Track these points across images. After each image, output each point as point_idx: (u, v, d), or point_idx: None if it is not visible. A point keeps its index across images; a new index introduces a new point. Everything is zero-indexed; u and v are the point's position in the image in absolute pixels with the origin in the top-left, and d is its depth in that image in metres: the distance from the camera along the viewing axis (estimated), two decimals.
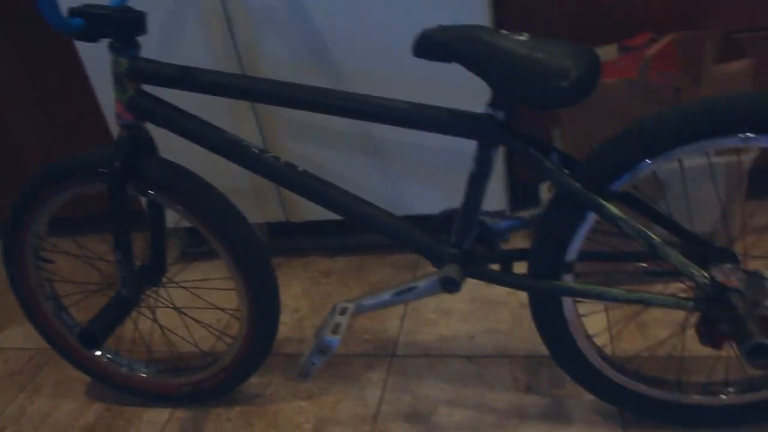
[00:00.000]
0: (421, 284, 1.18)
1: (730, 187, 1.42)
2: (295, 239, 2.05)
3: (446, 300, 1.73)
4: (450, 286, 1.13)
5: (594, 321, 1.53)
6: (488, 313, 1.64)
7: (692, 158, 1.39)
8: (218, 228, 1.27)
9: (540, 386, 1.42)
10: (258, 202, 1.87)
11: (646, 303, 1.07)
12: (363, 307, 1.19)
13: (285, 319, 1.76)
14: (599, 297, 1.08)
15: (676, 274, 1.04)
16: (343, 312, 1.16)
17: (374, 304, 1.20)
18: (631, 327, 1.52)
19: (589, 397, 1.34)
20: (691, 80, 1.32)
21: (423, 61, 1.49)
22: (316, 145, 1.73)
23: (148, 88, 1.29)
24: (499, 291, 1.70)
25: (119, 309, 1.31)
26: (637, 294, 1.08)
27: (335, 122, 1.67)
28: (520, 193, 1.83)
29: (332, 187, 1.17)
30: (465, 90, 1.49)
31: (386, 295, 1.20)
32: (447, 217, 1.18)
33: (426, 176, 1.69)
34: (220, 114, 1.73)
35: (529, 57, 0.93)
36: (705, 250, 1.09)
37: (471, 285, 1.74)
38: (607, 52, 1.54)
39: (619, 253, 1.14)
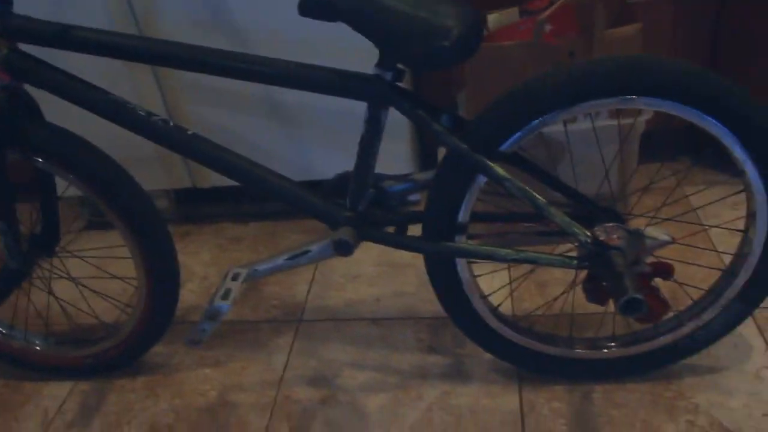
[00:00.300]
0: (315, 248, 1.16)
1: (623, 149, 1.45)
2: (206, 206, 2.00)
3: (355, 264, 1.72)
4: (343, 249, 1.12)
5: (496, 280, 1.55)
6: (395, 276, 1.64)
7: (584, 121, 1.41)
8: (109, 195, 1.22)
9: (442, 346, 1.43)
10: (163, 168, 1.82)
11: (533, 263, 1.08)
12: (257, 272, 1.17)
13: (193, 287, 1.72)
14: (489, 257, 1.09)
15: (561, 234, 1.05)
16: (235, 277, 1.14)
17: (268, 269, 1.17)
18: (531, 286, 1.54)
19: (489, 355, 1.36)
20: (584, 43, 1.33)
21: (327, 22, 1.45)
22: (221, 108, 1.68)
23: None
24: (406, 255, 1.71)
25: (6, 281, 1.25)
26: (525, 254, 1.09)
27: (240, 85, 1.63)
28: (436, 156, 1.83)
29: (225, 151, 1.13)
30: (371, 50, 1.47)
31: (280, 260, 1.18)
32: (342, 180, 1.16)
33: (333, 140, 1.67)
34: (118, 77, 1.65)
35: (412, 16, 0.91)
36: (590, 210, 1.11)
37: (379, 249, 1.74)
38: (508, 15, 1.53)
39: (508, 214, 1.15)
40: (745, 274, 1.09)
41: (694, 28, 1.54)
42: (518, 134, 1.01)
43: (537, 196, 1.01)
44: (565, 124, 1.14)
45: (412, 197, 1.61)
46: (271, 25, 1.51)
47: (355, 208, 1.14)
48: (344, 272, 1.69)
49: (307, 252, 1.16)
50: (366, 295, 1.60)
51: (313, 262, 1.16)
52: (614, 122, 1.35)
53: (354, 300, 1.59)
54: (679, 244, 1.46)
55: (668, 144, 1.76)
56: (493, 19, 1.51)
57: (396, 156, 1.69)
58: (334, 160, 1.68)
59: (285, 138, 1.69)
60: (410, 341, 1.45)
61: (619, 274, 1.00)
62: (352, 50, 1.48)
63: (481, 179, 1.06)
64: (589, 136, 1.39)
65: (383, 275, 1.65)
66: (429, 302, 1.53)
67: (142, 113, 1.12)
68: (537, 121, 0.99)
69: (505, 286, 1.51)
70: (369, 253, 1.74)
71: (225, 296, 1.12)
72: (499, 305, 1.28)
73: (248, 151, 1.72)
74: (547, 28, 1.44)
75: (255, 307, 1.63)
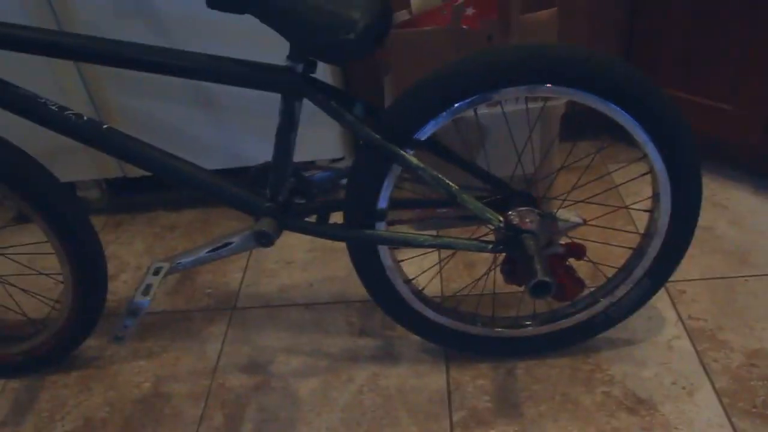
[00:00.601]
0: (236, 239, 1.16)
1: (541, 131, 1.47)
2: (139, 195, 1.97)
3: (288, 249, 1.72)
4: (264, 240, 1.12)
5: (426, 261, 1.57)
6: (327, 261, 1.65)
7: (507, 104, 1.42)
8: (23, 188, 1.18)
9: (372, 329, 1.45)
10: (92, 158, 1.77)
11: (450, 248, 1.10)
12: (179, 265, 1.16)
13: (126, 277, 1.70)
14: (408, 244, 1.10)
15: (474, 219, 1.06)
16: (157, 272, 1.12)
17: (190, 262, 1.16)
18: (460, 266, 1.56)
19: (417, 337, 1.38)
20: (502, 28, 1.33)
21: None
22: (147, 97, 1.65)
23: None
24: None
25: None
26: (442, 239, 1.10)
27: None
28: None
29: (139, 144, 1.11)
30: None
31: (201, 252, 1.17)
32: (263, 170, 1.16)
33: (263, 126, 1.65)
34: (38, 71, 1.60)
35: (318, 9, 0.90)
36: (505, 195, 1.13)
37: None
38: (431, 0, 1.53)
39: (426, 200, 1.16)
40: (652, 252, 1.13)
41: (610, 14, 1.56)
42: (431, 122, 1.02)
43: (449, 184, 1.03)
44: (475, 111, 1.15)
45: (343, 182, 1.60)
46: (193, 15, 1.48)
47: (275, 198, 1.14)
48: (278, 258, 1.68)
49: (228, 244, 1.16)
50: (299, 280, 1.60)
51: (234, 254, 1.16)
52: (534, 105, 1.37)
53: (287, 285, 1.59)
54: (590, 226, 1.49)
55: (590, 123, 1.79)
56: (415, 3, 1.50)
57: (326, 141, 1.69)
58: (264, 147, 1.67)
59: (213, 125, 1.67)
60: (341, 325, 1.46)
61: (529, 257, 1.02)
62: (271, 41, 1.46)
63: (398, 167, 1.07)
64: (512, 119, 1.40)
65: (316, 260, 1.65)
66: (359, 286, 1.54)
67: (54, 108, 1.09)
68: (448, 109, 1.00)
69: (434, 266, 1.53)
70: (302, 238, 1.74)
71: (146, 292, 1.11)
72: (423, 288, 1.30)
73: (177, 140, 1.70)
74: (470, 11, 1.44)
75: (189, 296, 1.61)
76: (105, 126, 1.11)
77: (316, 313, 1.51)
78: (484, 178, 1.14)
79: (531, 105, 1.34)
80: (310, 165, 1.20)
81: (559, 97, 1.01)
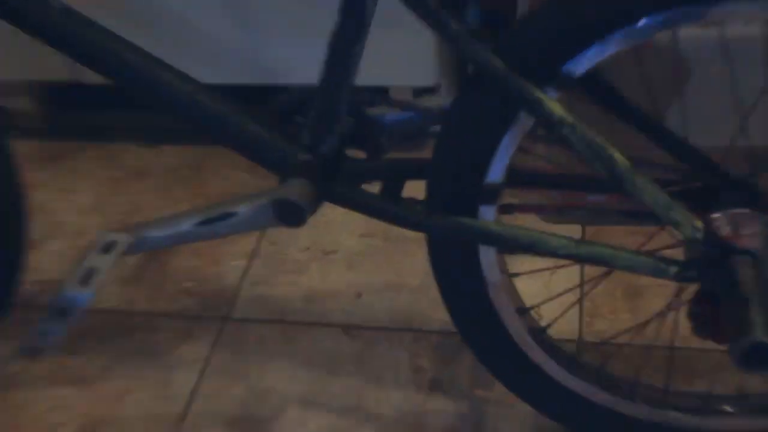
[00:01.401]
0: (244, 208, 1.16)
1: None
2: (94, 113, 2.02)
3: (327, 231, 1.73)
4: (290, 215, 1.12)
5: (557, 278, 1.56)
6: (391, 258, 1.65)
7: (731, 25, 1.38)
8: None
9: (454, 383, 1.44)
10: (23, 47, 1.80)
11: (604, 263, 1.09)
12: (145, 241, 1.18)
13: (59, 246, 1.75)
14: (531, 248, 1.10)
15: (650, 218, 1.05)
16: (107, 249, 1.15)
17: (164, 238, 1.18)
18: (617, 295, 1.54)
19: (527, 406, 1.36)
20: None
21: None
22: None
23: None
24: None
25: None
26: (590, 246, 1.09)
27: None
28: None
29: (108, 36, 1.14)
30: None
31: (185, 224, 1.18)
32: (302, 99, 1.17)
33: (305, 25, 1.66)
34: None
35: None
36: (711, 183, 1.12)
37: None
38: None
39: (566, 178, 1.16)
40: None
41: None
42: (594, 48, 1.00)
43: (615, 155, 1.01)
44: (675, 34, 1.11)
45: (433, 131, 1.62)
46: None
47: (317, 148, 1.14)
48: (309, 243, 1.69)
49: (228, 215, 1.16)
50: (340, 284, 1.61)
51: (239, 233, 1.16)
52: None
53: (319, 292, 1.60)
54: None
55: None
56: None
57: (411, 58, 1.70)
58: (308, 60, 1.68)
59: (236, 26, 1.72)
60: (403, 368, 1.46)
61: (744, 298, 1.00)
62: None
63: (528, 118, 1.05)
64: (738, 53, 1.36)
65: (372, 254, 1.66)
66: (441, 307, 1.53)
67: None
68: (627, 27, 0.98)
69: (571, 289, 1.51)
70: (352, 215, 1.74)
71: (85, 279, 1.13)
72: (548, 326, 1.27)
73: (168, 33, 1.72)
74: None
75: (155, 290, 1.64)
76: (57, 4, 1.13)
77: (362, 342, 1.51)
78: (677, 150, 1.13)
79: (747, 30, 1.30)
80: (381, 96, 1.20)
81: None
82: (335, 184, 1.16)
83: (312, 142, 1.14)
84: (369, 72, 1.80)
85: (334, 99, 1.11)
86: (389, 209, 1.14)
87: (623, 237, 1.63)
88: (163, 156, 1.90)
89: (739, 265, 1.04)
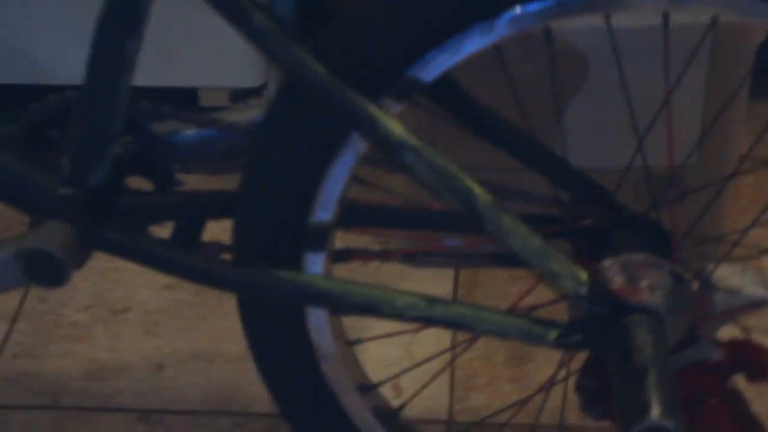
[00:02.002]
0: None
1: (708, 81, 1.46)
2: None
3: (118, 283, 1.72)
4: (46, 272, 1.10)
5: (424, 339, 1.57)
6: (203, 316, 1.67)
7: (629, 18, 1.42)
8: None
9: None
10: None
11: (461, 327, 1.10)
12: None
13: None
14: (367, 309, 1.10)
15: (523, 263, 1.06)
16: None
17: None
18: (498, 360, 1.56)
19: None
20: None
21: None
22: None
23: None
24: None
25: None
26: (446, 307, 1.10)
27: None
28: None
29: None
30: None
31: None
32: (57, 111, 1.17)
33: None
34: None
35: None
36: (601, 219, 1.14)
37: None
38: None
39: (420, 217, 1.19)
40: None
41: None
42: (448, 47, 1.01)
43: (476, 186, 1.02)
44: (548, 29, 1.13)
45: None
46: None
47: (82, 178, 1.12)
48: (90, 300, 1.70)
49: None
50: (134, 355, 1.62)
51: None
52: (688, 21, 1.36)
53: (105, 365, 1.60)
54: None
55: None
56: None
57: (227, 55, 1.74)
58: (75, 54, 1.68)
59: None
60: None
61: (640, 369, 1.02)
62: None
63: (360, 140, 1.06)
64: (635, 50, 1.39)
65: (177, 312, 1.68)
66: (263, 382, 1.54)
67: None
68: (495, 18, 0.99)
69: (438, 355, 1.53)
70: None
71: None
72: (403, 405, 1.29)
73: None
74: None
75: None
76: None
77: (163, 431, 1.51)
78: (557, 177, 1.15)
79: (681, 20, 1.33)
80: (168, 108, 1.19)
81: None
82: (109, 226, 1.14)
83: (75, 170, 1.12)
84: (173, 70, 1.81)
85: (103, 110, 1.10)
86: (181, 261, 1.13)
87: (505, 285, 1.67)
88: None
89: (633, 326, 1.05)
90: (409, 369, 1.41)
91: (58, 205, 1.12)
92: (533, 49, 1.52)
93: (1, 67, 1.78)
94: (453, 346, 1.56)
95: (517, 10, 0.98)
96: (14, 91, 1.75)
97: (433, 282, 1.71)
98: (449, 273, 1.73)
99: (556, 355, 1.35)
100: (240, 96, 1.80)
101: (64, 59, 1.71)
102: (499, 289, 1.68)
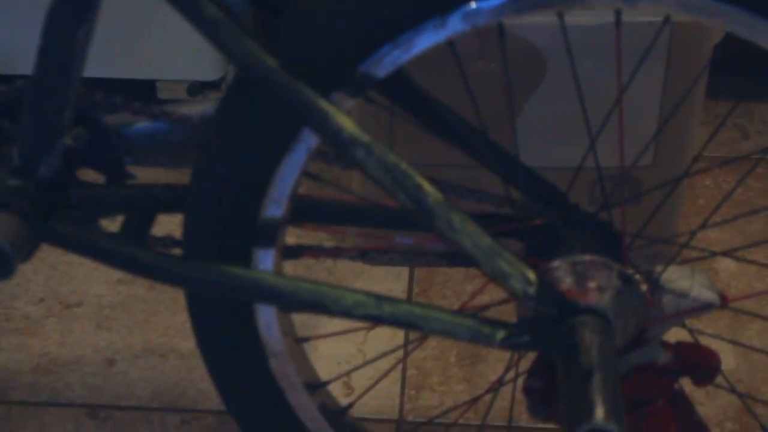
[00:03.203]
0: None
1: (666, 80, 1.46)
2: None
3: (71, 277, 1.72)
4: None
5: (376, 337, 1.57)
6: (156, 311, 1.67)
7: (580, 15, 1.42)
8: None
9: None
10: None
11: (410, 327, 1.10)
12: None
13: None
14: (316, 306, 1.10)
15: (472, 263, 1.06)
16: None
17: None
18: (450, 358, 1.57)
19: None
20: None
21: None
22: None
23: None
24: None
25: None
26: (395, 306, 1.09)
27: None
28: None
29: None
30: None
31: None
32: (5, 100, 1.17)
33: None
34: None
35: None
36: (551, 217, 1.14)
37: None
38: None
39: (371, 214, 1.19)
40: None
41: None
42: (402, 40, 1.01)
43: (426, 184, 1.02)
44: (501, 26, 1.13)
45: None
46: None
47: (31, 170, 1.12)
48: (42, 293, 1.70)
49: None
50: (85, 349, 1.62)
51: None
52: (639, 19, 1.36)
53: (56, 359, 1.60)
54: (737, 311, 1.49)
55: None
56: None
57: (186, 48, 1.73)
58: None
59: None
60: None
61: (585, 370, 1.02)
62: None
63: (312, 136, 1.06)
64: (588, 49, 1.40)
65: (130, 307, 1.67)
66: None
67: None
68: (451, 11, 0.99)
69: (391, 352, 1.52)
70: None
71: None
72: (351, 404, 1.29)
73: None
74: None
75: None
76: None
77: (113, 427, 1.51)
78: (508, 175, 1.15)
79: (632, 19, 1.34)
80: (119, 99, 1.18)
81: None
82: (58, 219, 1.14)
83: (23, 161, 1.12)
84: (131, 62, 1.81)
85: (54, 101, 1.09)
86: (129, 254, 1.12)
87: (461, 284, 1.67)
88: None
89: (580, 327, 1.05)
90: (360, 367, 1.42)
91: (6, 197, 1.11)
92: (490, 47, 1.52)
93: None
94: (405, 344, 1.56)
95: (471, 5, 0.98)
96: None
97: (389, 281, 1.71)
98: (405, 272, 1.73)
99: (507, 355, 1.36)
100: (198, 89, 1.80)
101: (16, 49, 1.70)
102: (455, 288, 1.68)
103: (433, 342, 1.55)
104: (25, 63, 1.51)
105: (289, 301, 1.12)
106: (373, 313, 1.09)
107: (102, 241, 1.13)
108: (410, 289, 1.70)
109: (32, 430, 1.50)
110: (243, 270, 1.11)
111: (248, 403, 1.24)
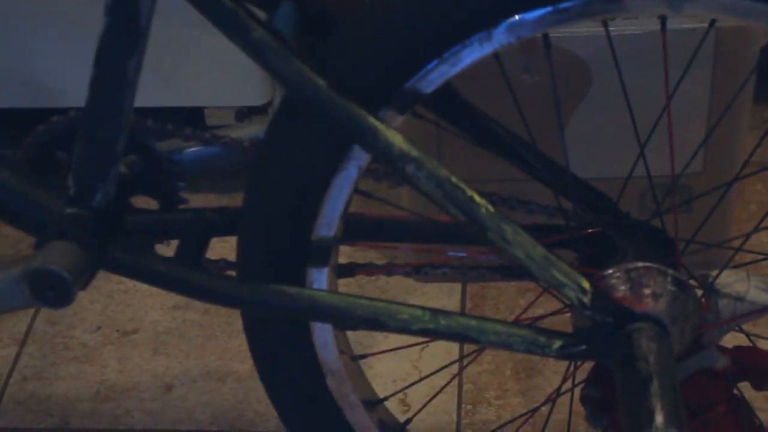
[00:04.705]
0: None
1: (711, 88, 1.46)
2: None
3: (127, 304, 1.72)
4: (52, 292, 1.10)
5: (429, 354, 1.57)
6: (212, 335, 1.67)
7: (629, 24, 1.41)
8: None
9: None
10: None
11: (467, 339, 1.09)
12: None
13: None
14: (372, 323, 1.10)
15: (527, 275, 1.06)
16: None
17: None
18: (507, 372, 1.56)
19: None
20: None
21: None
22: None
23: None
24: None
25: None
26: (451, 319, 1.09)
27: None
28: None
29: None
30: None
31: None
32: (62, 131, 1.16)
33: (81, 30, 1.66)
34: None
35: None
36: (604, 228, 1.14)
37: None
38: None
39: (423, 229, 1.19)
40: None
41: None
42: (451, 54, 1.01)
43: (477, 196, 1.02)
44: (546, 37, 1.13)
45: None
46: None
47: (87, 198, 1.12)
48: (100, 322, 1.70)
49: None
50: (143, 375, 1.61)
51: None
52: (682, 26, 1.36)
53: (115, 386, 1.60)
54: None
55: None
56: None
57: (233, 74, 1.73)
58: (78, 74, 1.68)
59: None
60: None
61: (644, 377, 1.01)
62: None
63: (363, 154, 1.06)
64: (637, 57, 1.39)
65: (186, 332, 1.67)
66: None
67: None
68: (494, 27, 0.99)
69: (447, 366, 1.52)
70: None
71: None
72: (409, 420, 1.28)
73: None
74: None
75: None
76: None
77: None
78: (558, 185, 1.15)
79: (677, 26, 1.33)
80: (171, 126, 1.19)
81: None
82: (114, 246, 1.14)
83: (80, 190, 1.12)
84: (179, 91, 1.81)
85: (107, 130, 1.09)
86: (186, 278, 1.13)
87: (514, 297, 1.66)
88: None
89: (636, 335, 1.05)
90: (416, 383, 1.41)
91: (63, 226, 1.11)
92: (536, 60, 1.52)
93: (5, 90, 1.76)
94: (460, 359, 1.56)
95: (515, 18, 0.98)
96: (19, 115, 1.74)
97: (442, 297, 1.71)
98: (457, 288, 1.73)
99: (563, 367, 1.35)
100: (245, 114, 1.80)
101: (68, 81, 1.71)
102: (508, 302, 1.68)
103: (488, 356, 1.55)
104: (75, 95, 1.53)
105: (346, 319, 1.12)
106: (430, 327, 1.09)
107: (159, 265, 1.13)
108: (463, 304, 1.69)
109: None
110: (298, 289, 1.11)
111: (307, 422, 1.24)
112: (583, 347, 1.07)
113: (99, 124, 1.09)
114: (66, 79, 1.74)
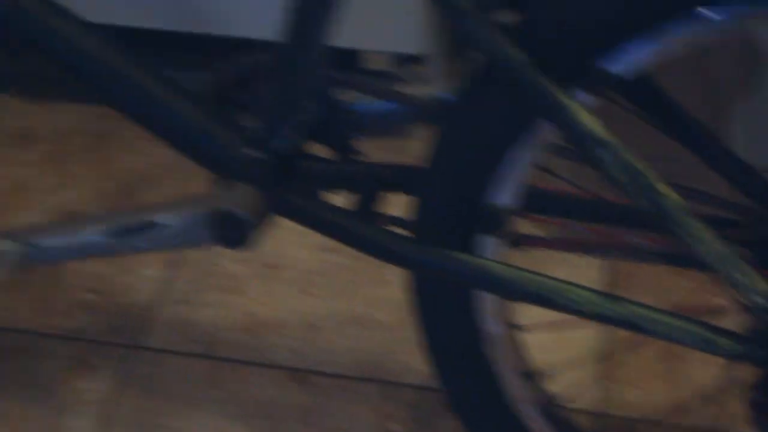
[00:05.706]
0: (172, 221, 1.17)
1: None
2: None
3: (274, 238, 1.73)
4: (230, 231, 1.13)
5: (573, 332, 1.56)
6: (360, 281, 1.67)
7: None
8: None
9: None
10: None
11: (632, 328, 1.09)
12: (37, 254, 1.18)
13: None
14: (539, 299, 1.09)
15: (702, 266, 1.05)
16: None
17: (62, 250, 1.18)
18: (650, 358, 1.56)
19: None
20: None
21: None
22: None
23: None
24: None
25: None
26: (620, 306, 1.09)
27: None
28: None
29: None
30: None
31: (92, 234, 1.18)
32: (251, 75, 1.18)
33: None
34: None
35: None
36: None
37: None
38: None
39: (602, 210, 1.18)
40: None
41: None
42: (641, 41, 1.00)
43: (664, 188, 1.01)
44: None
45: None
46: None
47: (270, 142, 1.14)
48: (249, 256, 1.70)
49: (152, 227, 1.17)
50: (288, 312, 1.63)
51: (161, 250, 1.17)
52: None
53: (259, 320, 1.61)
54: None
55: None
56: None
57: (387, 19, 1.73)
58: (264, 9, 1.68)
59: None
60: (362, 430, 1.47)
61: None
62: None
63: (547, 127, 1.06)
64: None
65: (334, 274, 1.67)
66: (421, 351, 1.54)
67: None
68: (685, 18, 0.98)
69: (594, 345, 1.52)
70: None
71: None
72: (560, 395, 1.29)
73: None
74: None
75: (43, 300, 1.64)
76: None
77: (314, 393, 1.52)
78: (739, 179, 1.14)
79: None
80: (355, 76, 1.20)
81: None
82: (290, 192, 1.15)
83: (264, 133, 1.13)
84: (336, 31, 1.82)
85: (299, 71, 1.10)
86: (362, 233, 1.14)
87: (654, 277, 1.64)
88: (56, 115, 1.86)
89: None
90: (566, 361, 1.41)
91: (245, 167, 1.13)
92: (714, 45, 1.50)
93: (185, 16, 1.76)
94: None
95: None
96: (197, 40, 1.74)
97: (586, 269, 1.69)
98: (605, 263, 1.72)
99: (710, 357, 1.34)
100: (402, 61, 1.79)
101: (248, 11, 1.71)
102: (654, 281, 1.65)
103: (631, 337, 1.54)
104: (258, 25, 1.51)
105: (514, 291, 1.11)
106: (598, 311, 1.09)
107: (335, 216, 1.15)
108: (612, 281, 1.68)
109: (238, 387, 1.52)
110: (471, 257, 1.11)
111: (462, 385, 1.26)
112: (756, 352, 1.06)
113: (294, 62, 1.10)
114: (246, 9, 1.74)
